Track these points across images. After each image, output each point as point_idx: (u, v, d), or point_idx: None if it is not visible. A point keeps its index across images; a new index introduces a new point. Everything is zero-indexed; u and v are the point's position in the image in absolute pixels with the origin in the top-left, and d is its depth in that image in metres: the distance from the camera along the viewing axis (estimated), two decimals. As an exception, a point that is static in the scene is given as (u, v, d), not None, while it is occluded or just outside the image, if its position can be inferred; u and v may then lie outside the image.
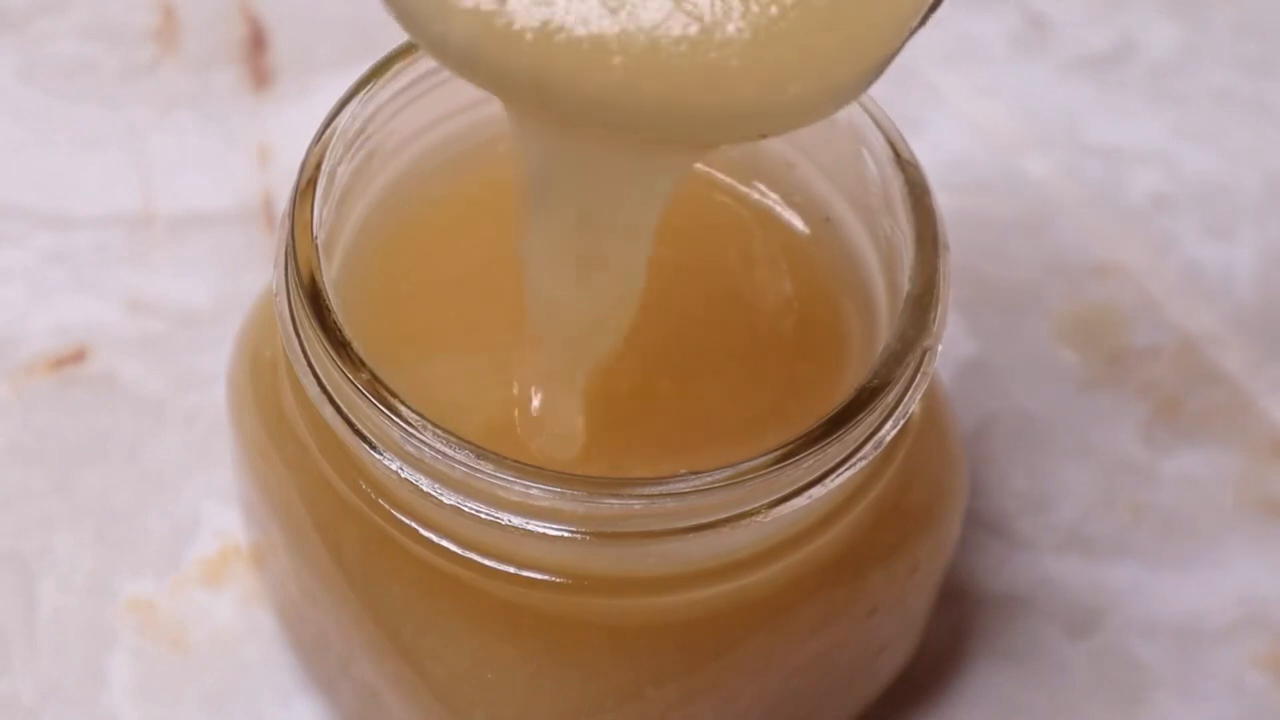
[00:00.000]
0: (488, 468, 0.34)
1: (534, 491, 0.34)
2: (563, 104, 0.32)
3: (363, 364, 0.34)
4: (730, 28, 0.31)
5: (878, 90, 0.38)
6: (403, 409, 0.34)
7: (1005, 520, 0.47)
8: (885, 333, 0.37)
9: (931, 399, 0.40)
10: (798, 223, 0.40)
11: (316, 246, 0.35)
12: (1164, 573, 0.47)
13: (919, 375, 0.36)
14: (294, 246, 0.35)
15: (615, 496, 0.34)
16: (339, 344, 0.35)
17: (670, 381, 0.38)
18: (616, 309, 0.36)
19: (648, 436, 0.38)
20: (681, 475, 0.34)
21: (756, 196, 0.40)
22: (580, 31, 0.31)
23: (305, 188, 0.36)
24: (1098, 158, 0.53)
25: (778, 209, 0.40)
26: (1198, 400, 0.49)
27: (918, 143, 0.38)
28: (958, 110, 0.54)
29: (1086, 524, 0.47)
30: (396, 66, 0.38)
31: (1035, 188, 0.53)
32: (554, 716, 0.37)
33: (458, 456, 0.34)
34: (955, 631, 0.46)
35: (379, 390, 0.34)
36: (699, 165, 0.40)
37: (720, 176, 0.41)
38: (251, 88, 0.53)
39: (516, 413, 0.37)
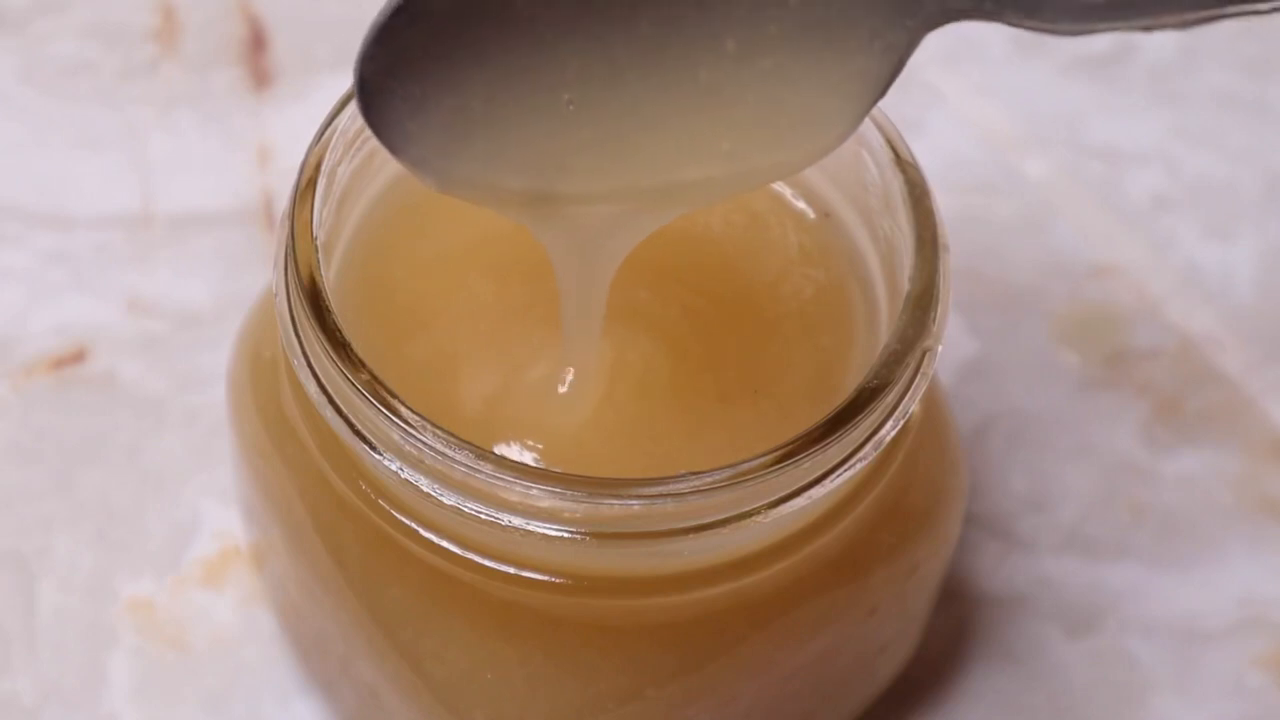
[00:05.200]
0: (488, 468, 0.34)
1: (534, 492, 0.34)
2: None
3: (362, 364, 0.34)
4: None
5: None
6: (402, 409, 0.34)
7: (1004, 520, 0.47)
8: (885, 333, 0.37)
9: (931, 399, 0.40)
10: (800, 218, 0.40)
11: (316, 246, 0.35)
12: (1163, 573, 0.47)
13: (919, 376, 0.36)
14: (294, 246, 0.35)
15: (615, 497, 0.34)
16: (339, 344, 0.35)
17: (694, 348, 0.39)
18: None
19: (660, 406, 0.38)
20: (681, 475, 0.34)
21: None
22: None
23: (305, 188, 0.36)
24: (1098, 158, 0.53)
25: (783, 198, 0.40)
26: (1197, 401, 0.49)
27: (917, 143, 0.38)
28: (957, 111, 0.54)
29: (1086, 524, 0.47)
30: (396, 67, 0.38)
31: (1035, 188, 0.53)
32: (554, 717, 0.37)
33: (457, 457, 0.34)
34: (955, 631, 0.46)
35: (379, 390, 0.34)
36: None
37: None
38: (251, 88, 0.53)
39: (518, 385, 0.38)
